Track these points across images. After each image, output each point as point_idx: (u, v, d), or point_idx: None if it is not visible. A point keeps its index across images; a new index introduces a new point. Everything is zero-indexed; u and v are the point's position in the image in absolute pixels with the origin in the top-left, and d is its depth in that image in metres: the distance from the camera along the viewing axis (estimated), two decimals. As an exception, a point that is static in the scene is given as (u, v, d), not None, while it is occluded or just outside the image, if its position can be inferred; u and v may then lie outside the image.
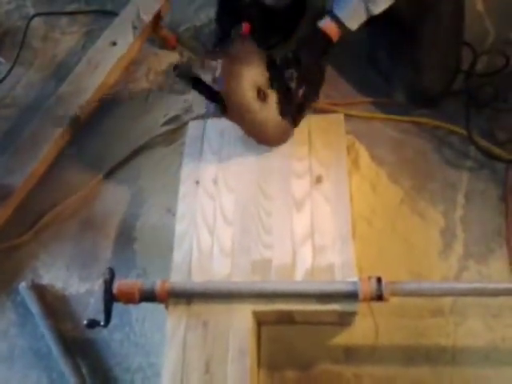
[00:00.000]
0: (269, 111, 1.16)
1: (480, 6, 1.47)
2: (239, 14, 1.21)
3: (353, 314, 0.99)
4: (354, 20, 1.13)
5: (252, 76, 1.13)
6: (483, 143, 1.22)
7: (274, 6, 1.32)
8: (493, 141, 1.23)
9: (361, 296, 0.92)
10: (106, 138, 1.38)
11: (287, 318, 1.02)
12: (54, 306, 1.15)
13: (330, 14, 1.14)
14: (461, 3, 1.26)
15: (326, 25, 1.14)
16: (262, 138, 1.17)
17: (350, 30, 1.13)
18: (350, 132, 1.24)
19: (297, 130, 1.19)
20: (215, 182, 1.14)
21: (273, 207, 1.09)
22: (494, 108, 1.28)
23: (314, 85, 1.18)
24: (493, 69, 1.32)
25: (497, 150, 1.21)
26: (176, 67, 1.12)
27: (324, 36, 1.14)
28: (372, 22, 1.16)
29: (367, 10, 1.11)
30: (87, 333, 1.10)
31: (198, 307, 0.98)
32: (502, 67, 1.30)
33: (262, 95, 1.14)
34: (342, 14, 1.13)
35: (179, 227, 1.09)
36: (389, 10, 1.14)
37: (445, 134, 1.28)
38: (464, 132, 1.24)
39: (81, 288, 1.17)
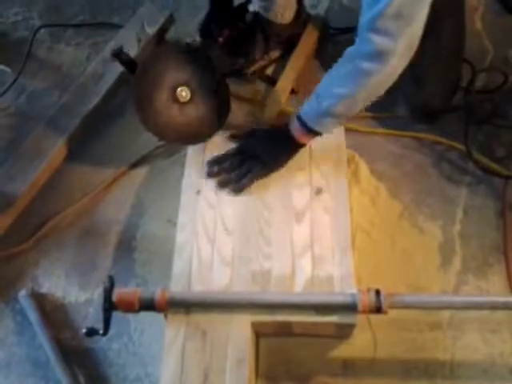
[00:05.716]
0: (192, 111, 1.15)
1: (479, 25, 1.49)
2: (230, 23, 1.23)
3: (351, 326, 0.99)
4: (325, 129, 1.07)
5: (172, 76, 1.13)
6: (482, 159, 1.24)
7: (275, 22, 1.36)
8: (491, 157, 1.25)
9: (360, 308, 0.92)
10: (108, 148, 1.38)
11: (286, 330, 1.02)
12: (53, 314, 1.15)
13: (299, 119, 1.06)
14: (461, 21, 1.28)
15: (296, 131, 1.08)
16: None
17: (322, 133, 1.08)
18: (351, 146, 1.24)
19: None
20: (216, 192, 1.15)
21: (273, 218, 1.10)
22: (493, 124, 1.30)
23: None
24: (492, 86, 1.34)
25: (495, 166, 1.23)
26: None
27: (293, 140, 1.10)
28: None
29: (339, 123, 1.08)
30: (85, 342, 1.10)
31: (197, 317, 0.98)
32: (501, 84, 1.32)
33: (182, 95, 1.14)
34: (312, 123, 1.06)
35: (180, 237, 1.09)
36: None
37: (444, 149, 1.29)
38: (463, 148, 1.25)
39: (80, 297, 1.17)
